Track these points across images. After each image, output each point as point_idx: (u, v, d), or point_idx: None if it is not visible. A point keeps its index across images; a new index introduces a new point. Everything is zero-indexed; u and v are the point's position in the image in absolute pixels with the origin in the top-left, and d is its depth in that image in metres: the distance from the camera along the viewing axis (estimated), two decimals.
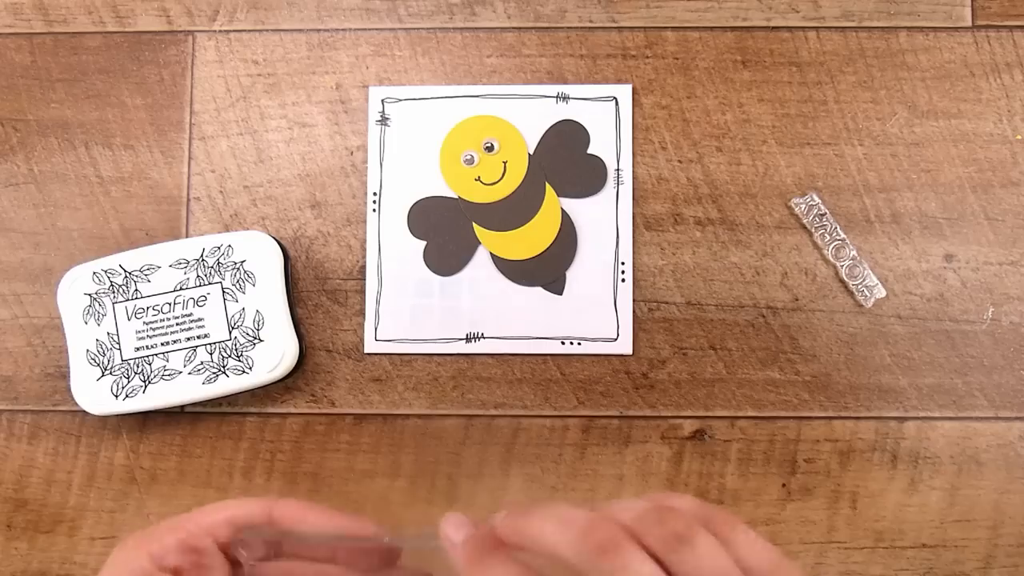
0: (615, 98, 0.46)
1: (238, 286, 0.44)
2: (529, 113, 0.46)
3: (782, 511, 0.45)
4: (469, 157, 0.46)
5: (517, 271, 0.46)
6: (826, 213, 0.45)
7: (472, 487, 0.45)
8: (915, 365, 0.45)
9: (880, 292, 0.45)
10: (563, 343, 0.45)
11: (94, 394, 0.44)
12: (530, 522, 0.31)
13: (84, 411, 0.45)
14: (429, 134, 0.46)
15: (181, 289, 0.45)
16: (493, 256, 0.46)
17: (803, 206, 0.45)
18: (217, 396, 0.45)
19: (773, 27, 0.47)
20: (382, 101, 0.47)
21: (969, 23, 0.46)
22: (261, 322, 0.44)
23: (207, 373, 0.44)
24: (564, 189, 0.46)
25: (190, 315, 0.44)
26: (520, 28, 0.47)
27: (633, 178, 0.46)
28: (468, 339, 0.45)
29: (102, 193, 0.47)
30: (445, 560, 0.35)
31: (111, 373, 0.44)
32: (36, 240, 0.47)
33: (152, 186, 0.47)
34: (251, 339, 0.44)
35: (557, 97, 0.46)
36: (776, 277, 0.46)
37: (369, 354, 0.45)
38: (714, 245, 0.46)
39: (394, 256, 0.46)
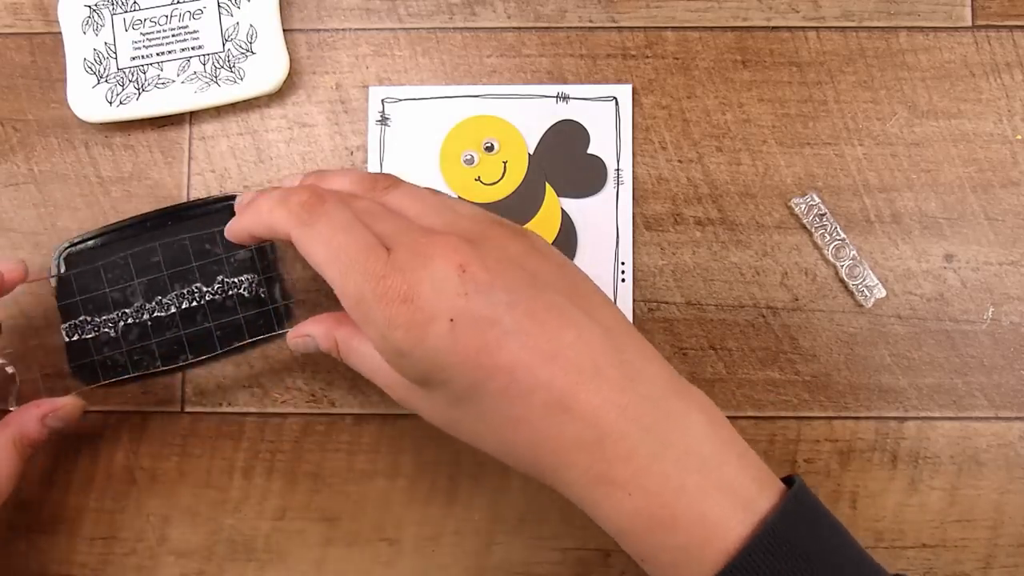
0: (615, 98, 0.46)
1: (233, 1, 0.46)
2: (529, 113, 0.46)
3: None
4: (469, 157, 0.46)
5: None
6: (826, 213, 0.45)
7: (472, 487, 0.45)
8: (915, 365, 0.45)
9: (880, 292, 0.45)
10: None
11: (89, 101, 0.46)
12: (256, 206, 0.36)
13: (84, 410, 0.46)
14: (429, 134, 0.46)
15: (178, 2, 0.46)
16: None
17: (803, 206, 0.45)
18: (208, 106, 0.46)
19: (773, 27, 0.47)
20: (382, 101, 0.47)
21: (969, 23, 0.46)
22: (254, 36, 0.46)
23: (199, 83, 0.46)
24: (564, 189, 0.46)
25: (185, 27, 0.46)
26: (520, 28, 0.47)
27: (633, 178, 0.46)
28: None
29: (102, 193, 0.47)
30: None
31: (106, 81, 0.46)
32: (36, 240, 0.47)
33: (152, 186, 0.47)
34: (244, 51, 0.45)
35: (557, 97, 0.46)
36: (776, 277, 0.46)
37: None
38: (714, 245, 0.46)
39: None
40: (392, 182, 0.38)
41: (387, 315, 0.32)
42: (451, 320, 0.32)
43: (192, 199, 0.47)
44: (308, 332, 0.39)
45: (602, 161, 0.46)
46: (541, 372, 0.32)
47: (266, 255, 0.45)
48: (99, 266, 0.44)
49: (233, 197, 0.46)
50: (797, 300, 0.45)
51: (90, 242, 0.46)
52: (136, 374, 0.44)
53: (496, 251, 0.33)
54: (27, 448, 0.41)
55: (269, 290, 0.45)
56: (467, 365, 0.32)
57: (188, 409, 0.46)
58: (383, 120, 0.47)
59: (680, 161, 0.46)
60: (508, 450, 0.34)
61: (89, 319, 0.44)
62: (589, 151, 0.46)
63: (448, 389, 0.33)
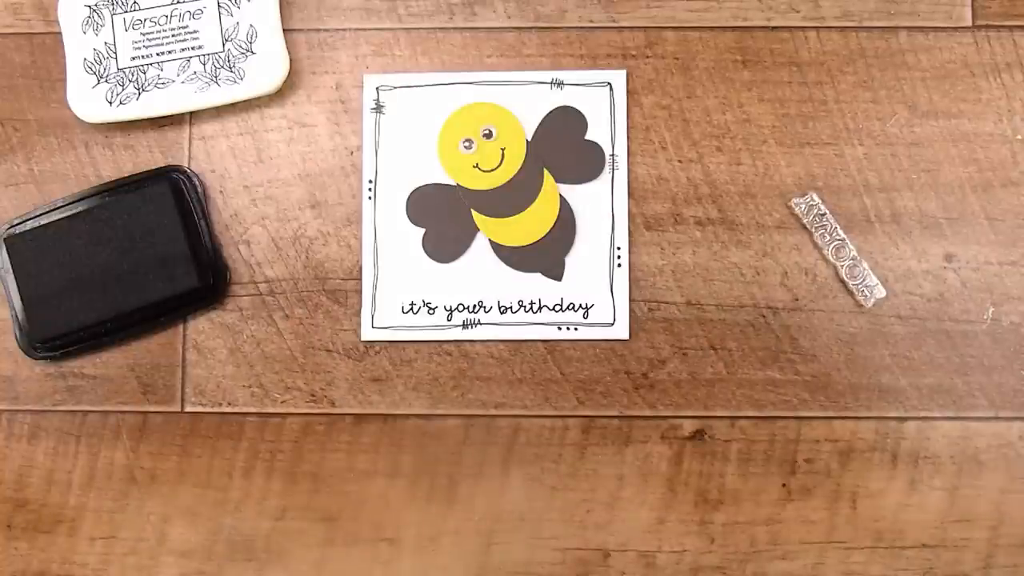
0: (609, 84, 0.46)
1: (233, 1, 0.46)
2: (526, 100, 0.46)
3: (782, 511, 0.45)
4: (467, 144, 0.46)
5: (516, 257, 0.45)
6: (826, 213, 0.45)
7: (472, 487, 0.45)
8: (915, 365, 0.45)
9: (880, 292, 0.45)
10: (560, 328, 0.45)
11: (89, 101, 0.46)
12: None
13: (84, 410, 0.46)
14: (426, 122, 0.46)
15: (178, 2, 0.46)
16: (492, 243, 0.46)
17: (803, 206, 0.45)
18: (209, 106, 0.46)
19: (773, 27, 0.47)
20: (377, 89, 0.46)
21: (969, 23, 0.46)
22: (254, 36, 0.46)
23: (199, 83, 0.46)
24: (562, 175, 0.46)
25: (186, 27, 0.46)
26: (520, 28, 0.47)
27: (633, 178, 0.46)
28: (465, 325, 0.45)
29: None
30: None
31: (106, 81, 0.46)
32: None
33: None
34: (244, 51, 0.45)
35: (551, 83, 0.46)
36: (776, 277, 0.46)
37: (367, 342, 0.45)
38: (714, 245, 0.46)
39: (392, 243, 0.46)
40: None
41: None
42: None
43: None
44: None
45: (600, 147, 0.46)
46: None
47: None
48: None
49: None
50: (797, 300, 0.45)
51: None
52: None
53: None
54: None
55: None
56: None
57: (188, 409, 0.46)
58: (378, 108, 0.46)
59: (680, 161, 0.46)
60: None
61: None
62: (587, 137, 0.46)
63: None
